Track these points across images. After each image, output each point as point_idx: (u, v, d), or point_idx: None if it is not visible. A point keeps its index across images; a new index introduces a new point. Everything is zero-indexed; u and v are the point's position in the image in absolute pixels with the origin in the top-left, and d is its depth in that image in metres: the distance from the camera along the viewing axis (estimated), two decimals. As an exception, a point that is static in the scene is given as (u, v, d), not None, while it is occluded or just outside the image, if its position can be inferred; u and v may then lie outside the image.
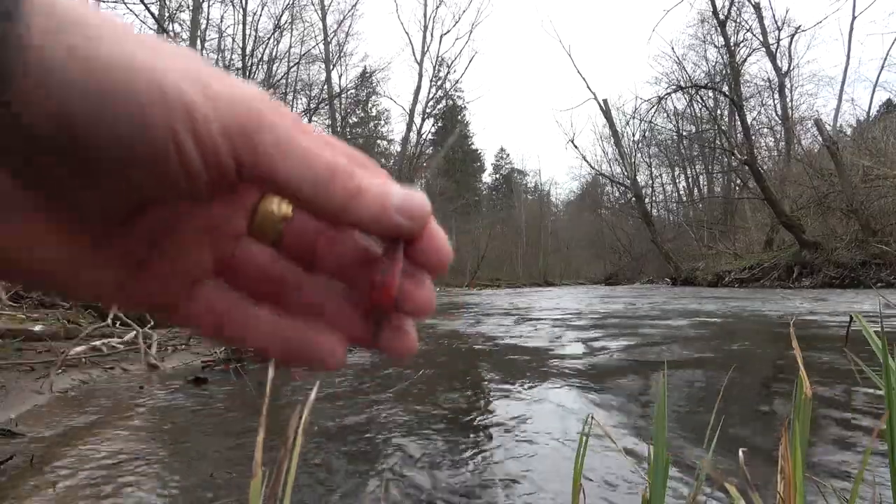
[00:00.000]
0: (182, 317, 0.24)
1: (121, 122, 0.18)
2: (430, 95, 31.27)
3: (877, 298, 6.41)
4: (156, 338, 3.19)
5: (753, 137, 19.09)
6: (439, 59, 31.11)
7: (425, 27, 30.31)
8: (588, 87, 31.20)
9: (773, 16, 22.41)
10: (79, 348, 2.73)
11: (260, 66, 16.27)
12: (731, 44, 19.75)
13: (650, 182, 34.13)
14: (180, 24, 14.59)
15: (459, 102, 40.41)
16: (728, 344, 3.59)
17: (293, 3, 17.70)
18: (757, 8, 20.55)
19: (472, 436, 1.59)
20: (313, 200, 0.21)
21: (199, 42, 15.40)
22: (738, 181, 22.49)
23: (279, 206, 0.25)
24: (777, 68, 21.70)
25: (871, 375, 0.60)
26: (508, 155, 51.10)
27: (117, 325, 3.58)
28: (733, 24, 20.18)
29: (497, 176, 51.11)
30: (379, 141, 33.26)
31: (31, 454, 1.37)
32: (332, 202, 0.21)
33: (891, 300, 4.68)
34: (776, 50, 21.33)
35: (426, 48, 30.26)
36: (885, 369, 0.57)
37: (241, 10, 15.94)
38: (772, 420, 1.67)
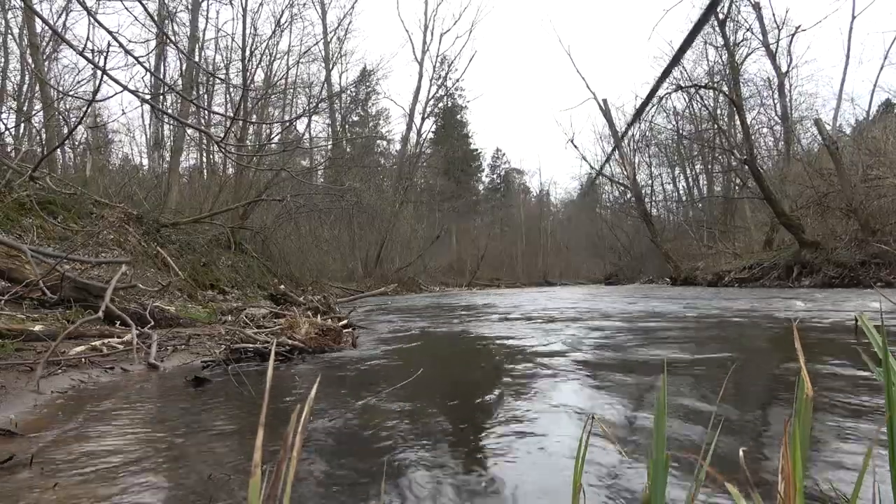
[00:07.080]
0: None
1: None
2: (431, 95, 31.26)
3: (877, 297, 6.41)
4: (155, 338, 3.19)
5: (753, 137, 19.07)
6: (440, 57, 31.13)
7: (426, 26, 30.32)
8: (588, 86, 31.27)
9: (773, 15, 22.34)
10: (78, 348, 2.73)
11: (259, 66, 16.22)
12: (731, 43, 19.72)
13: (650, 182, 34.09)
14: (179, 24, 14.58)
15: (460, 102, 40.44)
16: (728, 343, 3.58)
17: (293, 2, 17.65)
18: (756, 7, 20.52)
19: (470, 436, 1.58)
20: None
21: (197, 42, 15.36)
22: (738, 181, 22.44)
23: None
24: (777, 68, 21.67)
25: (874, 370, 0.60)
26: (504, 155, 51.18)
27: (117, 324, 3.58)
28: (732, 24, 20.14)
29: (493, 176, 51.16)
30: (379, 141, 33.20)
31: (30, 454, 1.37)
32: None
33: (891, 299, 4.68)
34: (776, 50, 21.29)
35: (426, 47, 30.26)
36: (885, 368, 0.57)
37: (241, 10, 15.86)
38: (772, 420, 1.67)
